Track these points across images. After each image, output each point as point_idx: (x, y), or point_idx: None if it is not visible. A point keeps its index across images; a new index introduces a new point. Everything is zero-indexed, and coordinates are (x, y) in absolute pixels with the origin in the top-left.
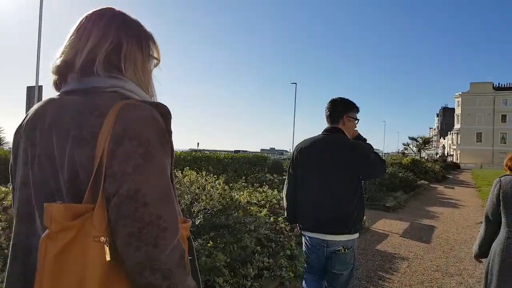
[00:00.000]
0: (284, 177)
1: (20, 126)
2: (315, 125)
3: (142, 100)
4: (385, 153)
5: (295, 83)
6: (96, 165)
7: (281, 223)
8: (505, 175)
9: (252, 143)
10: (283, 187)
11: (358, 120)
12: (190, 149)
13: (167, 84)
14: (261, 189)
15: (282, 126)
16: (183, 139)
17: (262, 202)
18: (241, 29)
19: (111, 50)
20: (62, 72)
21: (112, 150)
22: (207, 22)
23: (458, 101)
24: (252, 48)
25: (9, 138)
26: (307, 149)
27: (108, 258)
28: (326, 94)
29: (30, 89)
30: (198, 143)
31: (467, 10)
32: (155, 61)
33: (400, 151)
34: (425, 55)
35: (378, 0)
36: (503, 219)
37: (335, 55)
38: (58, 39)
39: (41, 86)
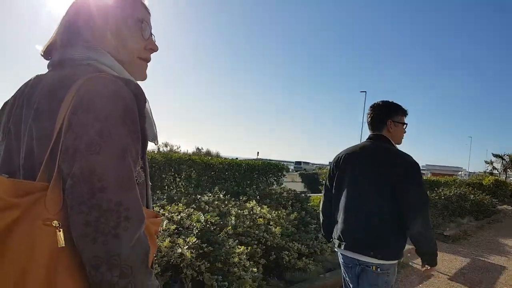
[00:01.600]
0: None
1: (5, 103)
2: None
3: (116, 75)
4: (470, 172)
5: (365, 91)
6: (53, 139)
7: None
8: None
9: (317, 155)
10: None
11: (406, 124)
12: (253, 158)
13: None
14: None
15: (350, 138)
16: (244, 148)
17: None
18: (302, 37)
19: (89, 21)
20: (50, 47)
21: (68, 123)
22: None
23: None
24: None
25: None
26: (345, 159)
27: (60, 244)
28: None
29: None
30: (258, 152)
31: None
32: (146, 33)
33: (488, 170)
34: None
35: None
36: None
37: (412, 62)
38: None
39: None
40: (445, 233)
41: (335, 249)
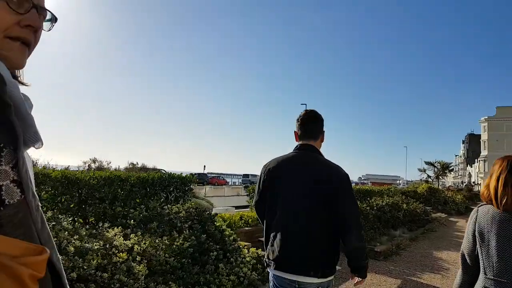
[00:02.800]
0: None
1: None
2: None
3: None
4: (407, 180)
5: (305, 104)
6: None
7: None
8: (482, 205)
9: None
10: None
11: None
12: (195, 173)
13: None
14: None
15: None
16: (191, 162)
17: None
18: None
19: None
20: None
21: None
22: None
23: (484, 126)
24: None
25: None
26: (274, 169)
27: None
28: (338, 116)
29: None
30: (204, 166)
31: (490, 28)
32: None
33: (423, 179)
34: (449, 78)
35: (388, 17)
36: (480, 262)
37: (346, 77)
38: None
39: None
40: (376, 248)
41: (268, 270)
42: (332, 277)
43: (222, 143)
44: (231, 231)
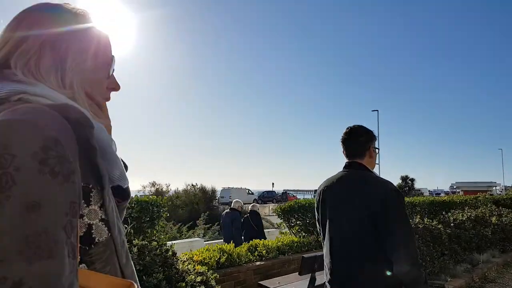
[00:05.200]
0: None
1: None
2: (399, 158)
3: (48, 104)
4: (505, 186)
5: (377, 110)
6: None
7: None
8: None
9: None
10: None
11: (379, 149)
12: (264, 191)
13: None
14: None
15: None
16: (258, 179)
17: None
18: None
19: (22, 50)
20: None
21: None
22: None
23: None
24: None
25: None
26: (324, 192)
27: None
28: (409, 122)
29: None
30: (273, 184)
31: None
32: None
33: None
34: None
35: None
36: None
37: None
38: None
39: None
40: (447, 285)
41: None
42: None
43: (291, 158)
44: (211, 275)
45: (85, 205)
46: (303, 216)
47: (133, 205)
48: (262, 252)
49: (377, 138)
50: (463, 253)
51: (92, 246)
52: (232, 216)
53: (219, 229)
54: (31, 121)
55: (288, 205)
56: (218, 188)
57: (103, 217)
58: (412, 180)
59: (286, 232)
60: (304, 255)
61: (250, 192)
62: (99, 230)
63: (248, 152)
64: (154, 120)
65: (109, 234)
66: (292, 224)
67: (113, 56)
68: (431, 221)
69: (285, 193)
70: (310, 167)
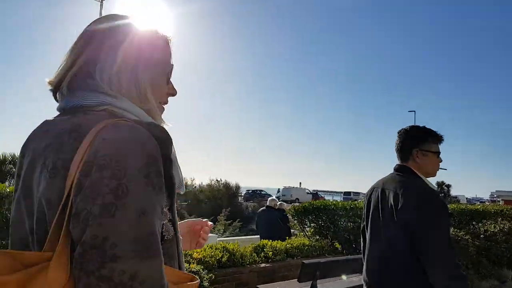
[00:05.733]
0: None
1: (23, 146)
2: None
3: (136, 120)
4: None
5: (414, 111)
6: (62, 201)
7: None
8: None
9: (368, 184)
10: None
11: (439, 153)
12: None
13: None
14: None
15: None
16: (284, 178)
17: None
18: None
19: (107, 62)
20: (55, 87)
21: (78, 181)
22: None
23: None
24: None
25: None
26: (370, 195)
27: None
28: (449, 124)
29: None
30: (300, 183)
31: None
32: (166, 70)
33: None
34: None
35: None
36: None
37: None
38: None
39: None
40: None
41: None
42: None
43: (320, 157)
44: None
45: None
46: (317, 218)
47: None
48: (268, 254)
49: (435, 140)
50: (492, 268)
51: (162, 242)
52: (268, 214)
53: (241, 225)
54: (136, 141)
55: (302, 206)
56: (242, 185)
57: (170, 218)
58: (448, 186)
59: (299, 234)
60: (304, 261)
61: (309, 192)
62: (168, 229)
63: (274, 150)
64: (183, 114)
65: (174, 232)
66: (306, 226)
67: (172, 65)
68: (458, 230)
69: (316, 193)
70: (339, 168)
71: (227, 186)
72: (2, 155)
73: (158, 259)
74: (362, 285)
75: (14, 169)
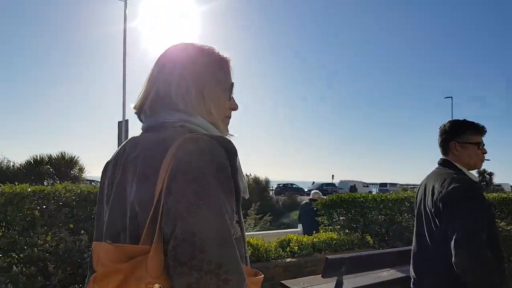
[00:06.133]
0: None
1: (107, 163)
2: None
3: (207, 134)
4: None
5: (451, 97)
6: (154, 202)
7: None
8: None
9: (405, 174)
10: None
11: (481, 143)
12: (322, 183)
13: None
14: None
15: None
16: (315, 171)
17: None
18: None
19: (179, 86)
20: (139, 110)
21: (167, 186)
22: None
23: None
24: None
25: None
26: (419, 189)
27: None
28: (490, 109)
29: (120, 124)
30: (333, 176)
31: None
32: (229, 91)
33: None
34: None
35: None
36: None
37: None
38: (141, 74)
39: (127, 120)
40: None
41: None
42: None
43: (352, 150)
44: None
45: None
46: (346, 211)
47: None
48: (294, 248)
49: (475, 131)
50: None
51: None
52: (309, 206)
53: (271, 219)
54: (210, 151)
55: (330, 199)
56: (272, 179)
57: (237, 219)
58: (491, 174)
59: (327, 228)
60: (328, 256)
61: (365, 185)
62: (235, 229)
63: (303, 143)
64: None
65: (241, 232)
66: (335, 220)
67: (232, 82)
68: (499, 221)
69: (354, 186)
70: (371, 160)
71: (256, 180)
72: (40, 156)
73: (235, 250)
74: (391, 280)
75: (51, 169)
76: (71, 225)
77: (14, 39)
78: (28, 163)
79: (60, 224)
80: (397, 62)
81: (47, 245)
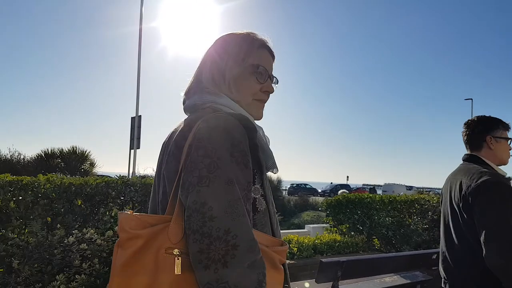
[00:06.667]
0: None
1: (162, 144)
2: None
3: (230, 112)
4: None
5: (471, 99)
6: (177, 177)
7: None
8: None
9: (425, 178)
10: None
11: (510, 139)
12: (336, 184)
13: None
14: None
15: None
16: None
17: None
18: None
19: (210, 69)
20: (185, 96)
21: (184, 161)
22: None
23: None
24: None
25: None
26: (444, 187)
27: (177, 272)
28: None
29: (133, 119)
30: (347, 177)
31: None
32: (264, 73)
33: None
34: None
35: None
36: None
37: None
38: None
39: (140, 116)
40: None
41: None
42: None
43: (367, 152)
44: None
45: (252, 184)
46: (352, 212)
47: (137, 188)
48: (293, 250)
49: (506, 127)
50: None
51: (256, 213)
52: None
53: (281, 219)
54: (224, 128)
55: (335, 200)
56: (287, 179)
57: (262, 193)
58: None
59: (332, 229)
60: (322, 259)
61: (409, 188)
62: (260, 202)
63: (318, 144)
64: None
65: (266, 205)
66: (340, 221)
67: (263, 67)
68: None
69: (373, 188)
70: (387, 162)
71: (268, 179)
72: (51, 150)
73: (246, 218)
74: (394, 287)
75: (61, 163)
76: (49, 219)
77: (30, 40)
78: (39, 156)
79: (34, 218)
80: (415, 63)
81: (17, 238)
